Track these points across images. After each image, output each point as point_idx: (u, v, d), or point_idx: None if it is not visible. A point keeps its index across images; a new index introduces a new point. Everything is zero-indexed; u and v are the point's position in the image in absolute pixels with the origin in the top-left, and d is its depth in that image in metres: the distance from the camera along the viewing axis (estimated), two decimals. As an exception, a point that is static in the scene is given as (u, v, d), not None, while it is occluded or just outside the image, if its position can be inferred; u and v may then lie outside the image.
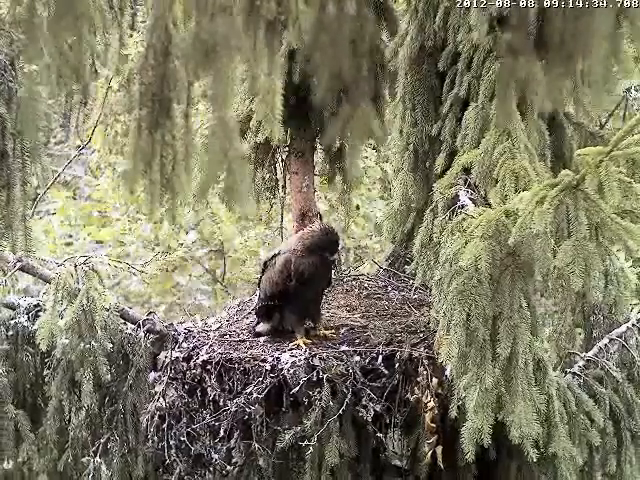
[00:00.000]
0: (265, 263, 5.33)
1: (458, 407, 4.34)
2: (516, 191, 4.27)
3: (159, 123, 3.07)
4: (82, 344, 4.81)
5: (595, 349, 5.07)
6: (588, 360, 5.01)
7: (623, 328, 5.13)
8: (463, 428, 4.14)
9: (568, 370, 4.94)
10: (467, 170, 4.57)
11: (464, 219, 4.24)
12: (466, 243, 4.00)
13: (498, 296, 4.07)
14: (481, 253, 3.95)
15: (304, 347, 4.96)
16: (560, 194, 3.92)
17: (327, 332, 5.14)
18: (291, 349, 4.97)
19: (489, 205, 4.29)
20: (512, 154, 4.42)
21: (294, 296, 5.14)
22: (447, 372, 4.35)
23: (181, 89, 3.03)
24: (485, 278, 4.01)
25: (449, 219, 4.41)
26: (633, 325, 5.15)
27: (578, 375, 4.91)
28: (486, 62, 4.75)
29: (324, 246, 5.07)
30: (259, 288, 5.37)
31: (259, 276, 5.39)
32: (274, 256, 5.26)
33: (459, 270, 4.02)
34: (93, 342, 4.81)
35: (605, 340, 5.11)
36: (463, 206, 4.40)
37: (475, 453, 4.18)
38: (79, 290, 4.89)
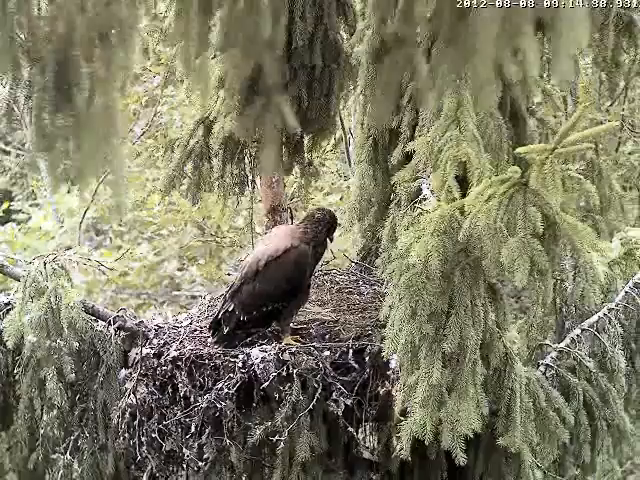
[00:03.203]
0: (266, 263, 4.97)
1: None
2: (456, 177, 4.24)
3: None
4: (48, 342, 4.80)
5: (567, 340, 5.08)
6: (560, 351, 5.02)
7: (595, 318, 5.14)
8: (405, 422, 4.15)
9: (540, 362, 4.96)
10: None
11: (421, 214, 4.23)
12: (418, 239, 3.98)
13: (448, 292, 4.06)
14: (431, 250, 3.94)
15: (296, 344, 4.90)
16: (509, 190, 3.92)
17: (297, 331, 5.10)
18: (261, 344, 4.96)
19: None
20: (458, 141, 4.39)
21: (303, 291, 5.02)
22: (392, 365, 4.35)
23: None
24: (435, 275, 3.99)
25: (410, 212, 4.40)
26: (605, 315, 5.16)
27: (550, 366, 4.92)
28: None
29: (331, 231, 5.03)
30: (246, 295, 5.04)
31: (241, 280, 5.06)
32: (275, 254, 4.95)
33: (409, 265, 4.00)
34: (59, 340, 4.79)
35: (577, 330, 5.11)
36: (425, 199, 4.38)
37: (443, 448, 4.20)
38: (47, 287, 4.88)
